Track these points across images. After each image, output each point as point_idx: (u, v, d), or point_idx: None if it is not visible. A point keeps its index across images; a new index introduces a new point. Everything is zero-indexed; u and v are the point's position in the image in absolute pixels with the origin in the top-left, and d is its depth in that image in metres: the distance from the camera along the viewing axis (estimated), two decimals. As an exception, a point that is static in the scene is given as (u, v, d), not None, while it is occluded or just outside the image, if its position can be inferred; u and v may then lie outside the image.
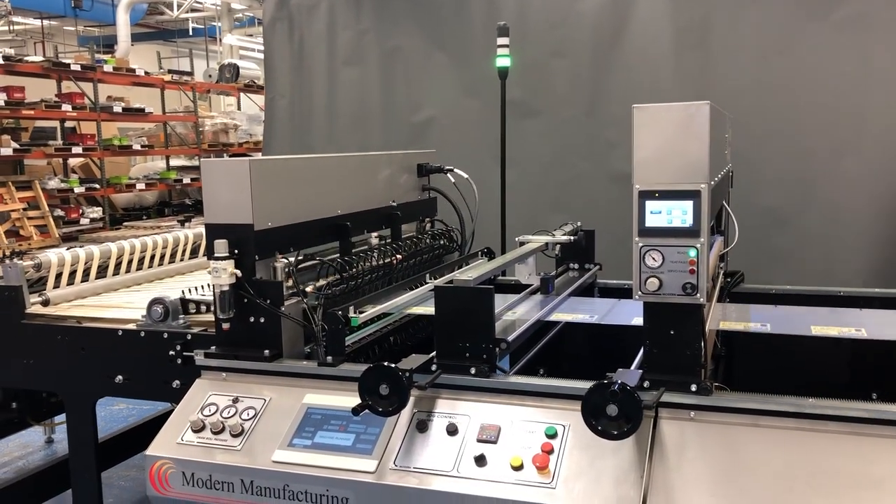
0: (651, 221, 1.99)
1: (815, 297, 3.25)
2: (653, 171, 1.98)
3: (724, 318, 2.68)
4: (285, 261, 2.50)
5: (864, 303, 3.06)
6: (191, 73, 15.47)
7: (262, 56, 7.26)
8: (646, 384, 2.05)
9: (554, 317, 2.80)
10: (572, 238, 3.13)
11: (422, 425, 2.15)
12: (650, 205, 1.98)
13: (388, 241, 3.13)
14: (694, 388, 2.03)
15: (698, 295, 1.98)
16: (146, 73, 12.78)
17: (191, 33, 19.99)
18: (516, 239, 3.06)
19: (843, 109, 5.30)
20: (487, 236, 4.66)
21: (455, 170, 3.57)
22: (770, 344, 2.88)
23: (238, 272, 2.37)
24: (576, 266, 3.46)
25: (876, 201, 5.27)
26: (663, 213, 1.97)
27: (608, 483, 1.93)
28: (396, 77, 6.39)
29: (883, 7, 5.16)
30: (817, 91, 5.35)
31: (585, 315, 2.77)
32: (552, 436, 2.05)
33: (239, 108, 16.22)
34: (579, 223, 3.45)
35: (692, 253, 1.96)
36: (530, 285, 3.04)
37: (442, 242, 3.47)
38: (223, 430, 2.27)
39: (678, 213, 1.96)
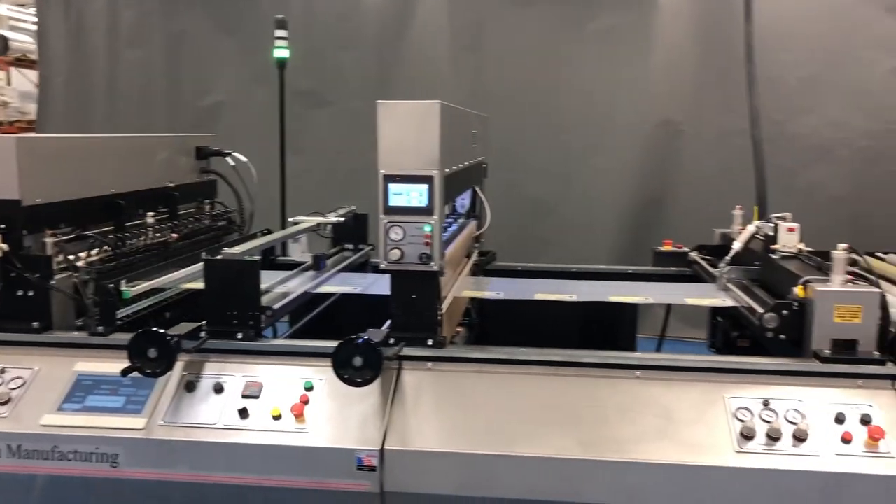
0: (394, 201, 2.31)
1: (554, 272, 3.76)
2: (394, 158, 2.30)
3: (470, 288, 3.09)
4: (55, 237, 2.58)
5: (598, 277, 3.60)
6: (-46, 43, 14.07)
7: (36, 29, 6.89)
8: (391, 341, 2.37)
9: (324, 289, 3.08)
10: (342, 219, 3.42)
11: (190, 386, 2.34)
12: (393, 187, 2.30)
13: (165, 220, 3.24)
14: (430, 342, 2.39)
15: (433, 264, 2.33)
16: None
17: (-46, -1, 18.12)
18: (289, 219, 3.30)
19: (595, 111, 6.02)
20: (273, 219, 4.85)
21: (234, 153, 3.73)
22: (514, 309, 3.33)
23: (5, 246, 2.42)
24: (350, 247, 3.75)
25: (621, 194, 6.04)
26: (403, 195, 2.30)
27: (355, 425, 2.24)
28: (182, 61, 6.37)
29: (628, 22, 5.93)
30: (574, 94, 6.04)
31: (351, 287, 3.07)
32: (309, 389, 2.32)
33: (9, 84, 14.90)
34: (354, 207, 3.74)
35: (427, 228, 2.31)
36: (304, 262, 3.29)
37: (221, 224, 3.62)
38: (-11, 399, 2.33)
39: (416, 195, 2.30)
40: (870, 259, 3.45)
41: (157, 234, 3.06)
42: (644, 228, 5.87)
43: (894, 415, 2.18)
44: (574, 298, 2.86)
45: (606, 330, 3.59)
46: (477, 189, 3.61)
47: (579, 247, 5.97)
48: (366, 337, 2.20)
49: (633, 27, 5.91)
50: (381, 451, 2.18)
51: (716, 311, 3.59)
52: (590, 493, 2.14)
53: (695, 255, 3.65)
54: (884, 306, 2.33)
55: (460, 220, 3.57)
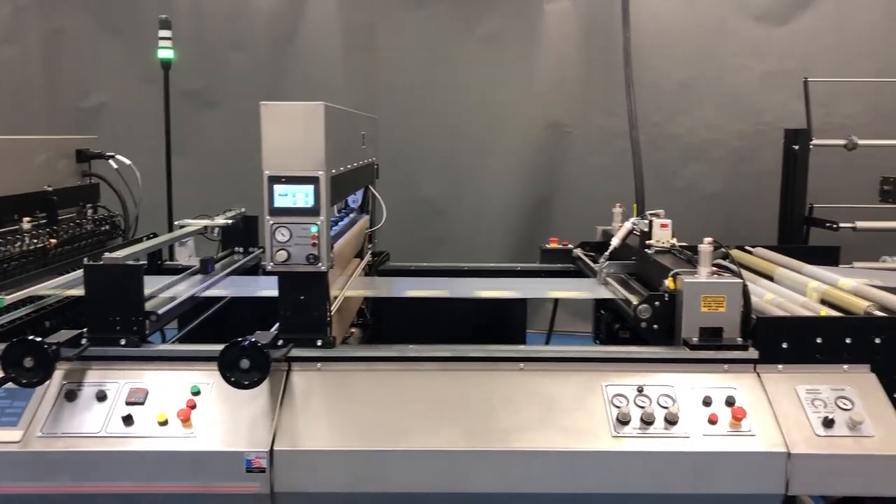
0: (279, 202, 2.32)
1: (445, 271, 3.83)
2: (279, 160, 2.31)
3: (362, 288, 3.12)
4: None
5: (488, 274, 3.70)
6: None
7: None
8: (280, 342, 2.38)
9: (212, 293, 3.04)
10: (230, 222, 3.38)
11: (70, 395, 2.27)
12: (278, 188, 2.31)
13: (43, 225, 3.13)
14: (320, 343, 2.41)
15: (320, 264, 2.35)
16: None
17: None
18: (176, 223, 3.24)
19: (486, 113, 6.14)
20: (161, 223, 4.74)
21: (117, 156, 3.63)
22: (409, 308, 3.39)
23: None
24: (240, 249, 3.70)
25: (512, 193, 6.19)
26: (289, 196, 2.32)
27: (244, 428, 2.23)
28: (62, 60, 6.11)
29: (516, 27, 6.08)
30: (466, 96, 6.15)
31: (240, 290, 3.05)
32: (196, 393, 2.30)
33: None
34: (243, 209, 3.71)
35: (314, 229, 2.33)
36: (191, 266, 3.24)
37: (105, 228, 3.52)
38: None
39: (301, 196, 2.32)
40: (738, 252, 3.71)
41: (35, 241, 2.95)
42: (534, 227, 6.04)
43: (755, 396, 2.35)
44: (447, 294, 2.93)
45: (499, 326, 3.70)
46: (371, 188, 3.64)
47: (472, 246, 6.08)
48: (252, 339, 2.20)
49: (521, 31, 6.07)
50: (271, 452, 2.19)
51: (599, 305, 3.75)
52: (477, 483, 2.21)
53: (578, 252, 3.81)
54: (746, 296, 2.50)
55: (352, 215, 3.59)
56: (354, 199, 3.78)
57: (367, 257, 3.71)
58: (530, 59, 6.07)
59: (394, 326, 3.64)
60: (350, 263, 3.28)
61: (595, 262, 3.38)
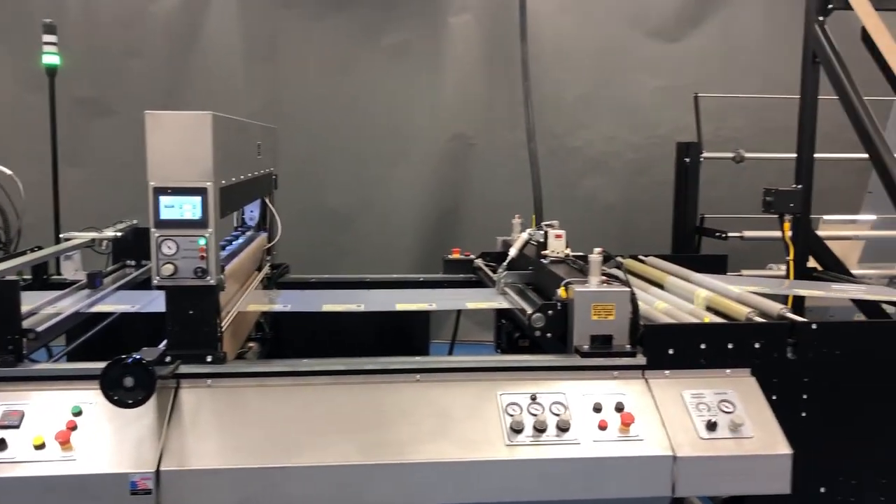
0: (165, 214, 2.25)
1: (346, 282, 3.81)
2: (165, 170, 2.24)
3: (259, 301, 3.06)
4: None
5: (391, 285, 3.69)
6: None
7: None
8: (167, 359, 2.30)
9: (99, 308, 2.92)
10: (119, 234, 3.26)
11: (-63, 420, 2.14)
12: (164, 199, 2.25)
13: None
14: (210, 359, 2.35)
15: (209, 278, 2.29)
16: None
17: None
18: (61, 235, 3.11)
19: (393, 124, 6.16)
20: (48, 236, 4.52)
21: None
22: (309, 322, 3.33)
23: None
24: (132, 263, 3.58)
25: (418, 204, 6.21)
26: (175, 207, 2.25)
27: (129, 448, 2.15)
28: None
29: (421, 39, 6.12)
30: (372, 107, 6.14)
31: (129, 305, 2.94)
32: (78, 413, 2.20)
33: None
34: (135, 221, 3.58)
35: (202, 241, 2.27)
36: (78, 281, 3.10)
37: (-17, 241, 3.34)
38: None
39: (189, 207, 2.26)
40: (632, 261, 3.82)
41: None
42: (441, 237, 6.07)
43: (643, 401, 2.42)
44: (362, 308, 2.91)
45: (402, 337, 3.69)
46: (266, 201, 3.58)
47: (377, 257, 6.07)
48: (137, 356, 2.12)
49: (426, 44, 6.12)
50: (157, 472, 2.11)
51: (500, 315, 3.80)
52: (371, 497, 2.19)
53: (479, 262, 3.85)
54: (634, 304, 2.58)
55: (248, 233, 3.53)
56: (252, 216, 3.71)
57: (266, 269, 3.64)
58: (435, 71, 6.12)
59: (294, 340, 3.58)
60: (247, 277, 3.21)
61: (495, 272, 3.42)
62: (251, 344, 3.36)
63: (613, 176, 6.16)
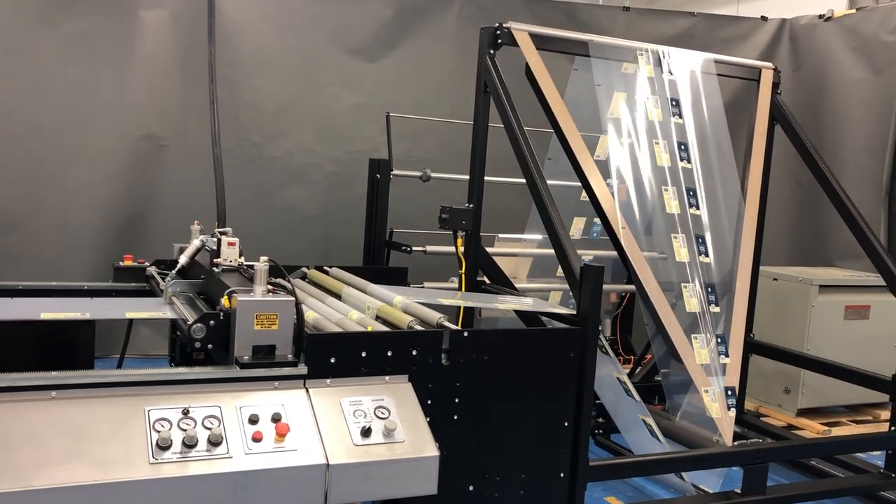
0: None
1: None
2: None
3: None
4: None
5: (50, 294, 3.36)
6: None
7: None
8: None
9: None
10: None
11: None
12: None
13: None
14: None
15: None
16: None
17: None
18: None
19: (73, 118, 5.62)
20: None
21: None
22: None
23: None
24: None
25: (101, 206, 5.73)
26: None
27: None
28: None
29: (107, 30, 5.67)
30: (48, 98, 5.57)
31: None
32: None
33: None
34: None
35: None
36: None
37: None
38: None
39: None
40: (316, 272, 3.85)
41: None
42: (124, 243, 5.62)
43: (302, 411, 2.41)
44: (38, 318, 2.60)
45: (63, 351, 3.35)
46: None
47: (51, 262, 5.51)
48: None
49: (113, 35, 5.67)
50: None
51: (175, 326, 3.60)
52: (-17, 531, 1.94)
53: (152, 270, 3.63)
54: (299, 313, 2.57)
55: None
56: None
57: None
58: (123, 64, 5.70)
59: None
60: None
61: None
62: None
63: (313, 188, 6.17)
